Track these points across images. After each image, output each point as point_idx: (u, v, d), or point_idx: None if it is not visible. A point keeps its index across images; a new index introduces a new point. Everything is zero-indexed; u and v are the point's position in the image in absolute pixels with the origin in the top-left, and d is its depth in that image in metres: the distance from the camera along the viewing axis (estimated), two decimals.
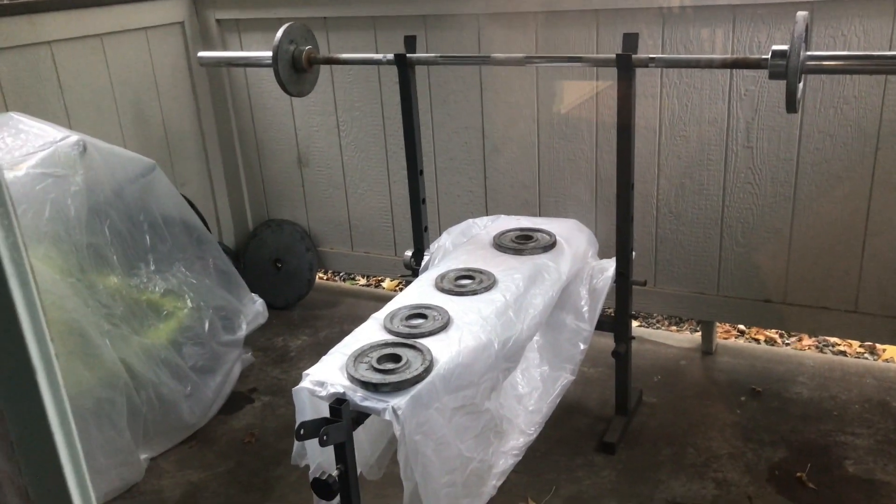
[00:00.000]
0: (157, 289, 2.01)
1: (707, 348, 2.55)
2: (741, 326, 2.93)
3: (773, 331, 2.87)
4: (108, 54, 2.63)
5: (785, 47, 1.58)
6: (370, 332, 1.61)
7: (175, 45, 2.88)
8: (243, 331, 2.33)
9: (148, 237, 2.05)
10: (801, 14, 1.57)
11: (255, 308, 2.41)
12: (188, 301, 2.11)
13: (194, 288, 2.13)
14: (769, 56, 1.60)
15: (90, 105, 2.58)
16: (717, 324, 2.60)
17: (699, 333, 2.62)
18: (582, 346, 1.97)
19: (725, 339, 2.84)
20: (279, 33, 2.14)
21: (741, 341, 2.89)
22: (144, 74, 2.77)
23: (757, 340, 2.91)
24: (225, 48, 2.97)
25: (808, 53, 1.59)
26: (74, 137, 1.93)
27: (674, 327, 3.04)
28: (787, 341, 2.89)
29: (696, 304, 2.49)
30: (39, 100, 2.40)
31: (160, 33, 2.81)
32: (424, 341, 1.54)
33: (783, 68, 1.58)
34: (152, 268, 2.04)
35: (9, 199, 0.45)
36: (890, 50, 2.02)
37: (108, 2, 2.62)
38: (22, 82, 2.35)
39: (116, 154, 2.08)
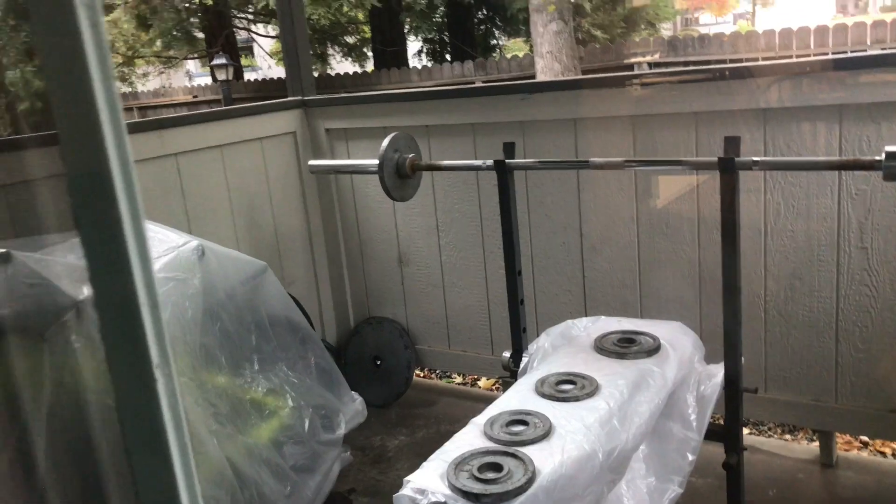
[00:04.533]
0: (260, 388, 2.07)
1: (826, 461, 2.38)
2: (864, 438, 2.72)
3: None
4: (226, 163, 2.82)
5: None
6: (470, 437, 1.59)
7: (287, 153, 3.07)
8: (342, 430, 2.35)
9: (254, 337, 2.13)
10: None
11: (354, 406, 2.44)
12: (289, 400, 2.16)
13: (296, 387, 2.18)
14: (883, 157, 1.56)
15: (208, 210, 2.76)
16: (837, 434, 2.43)
17: (816, 443, 2.45)
18: (690, 457, 1.87)
19: (847, 450, 2.64)
20: (385, 143, 2.24)
21: (865, 454, 2.68)
22: (258, 180, 2.95)
23: (883, 454, 2.69)
24: (333, 155, 3.14)
25: None
26: (194, 242, 2.06)
27: (788, 436, 2.86)
28: None
29: (811, 413, 2.35)
30: (165, 206, 2.59)
31: (274, 142, 3.01)
32: (526, 450, 1.51)
33: None
34: (256, 367, 2.11)
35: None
36: None
37: (228, 115, 2.85)
38: (150, 191, 2.55)
39: (231, 257, 2.20)
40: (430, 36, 14.84)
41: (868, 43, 8.97)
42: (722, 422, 2.06)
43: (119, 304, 0.45)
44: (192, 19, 13.56)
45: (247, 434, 1.97)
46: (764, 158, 2.11)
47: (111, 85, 0.45)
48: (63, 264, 1.85)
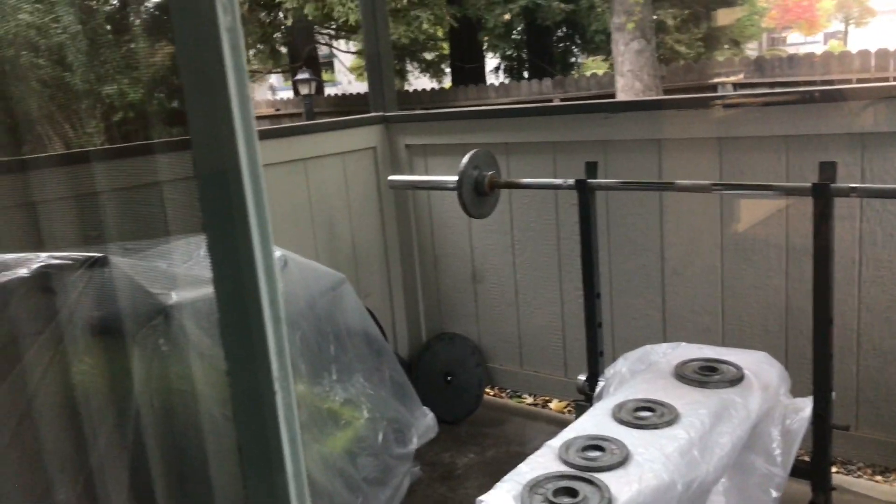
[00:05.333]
0: (337, 398, 2.09)
1: None
2: None
3: None
4: (309, 176, 2.89)
5: None
6: (545, 460, 1.57)
7: (367, 168, 3.12)
8: (414, 444, 2.36)
9: (333, 347, 2.16)
10: None
11: (426, 422, 2.44)
12: (365, 411, 2.17)
13: (371, 399, 2.20)
14: None
15: (291, 221, 2.82)
16: None
17: None
18: (774, 494, 1.80)
19: None
20: (465, 159, 2.25)
21: None
22: (338, 194, 3.00)
23: None
24: (412, 170, 3.17)
25: None
26: (278, 253, 2.11)
27: (879, 477, 2.71)
28: None
29: None
30: None
31: (355, 157, 3.06)
32: (602, 476, 1.47)
33: None
34: (334, 377, 2.13)
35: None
36: None
37: (312, 130, 2.92)
38: None
39: (311, 268, 2.24)
40: (508, 53, 14.88)
41: None
42: (808, 458, 1.97)
43: (242, 316, 0.46)
44: (276, 35, 14.00)
45: (322, 443, 2.00)
46: (862, 185, 2.02)
47: (245, 88, 0.46)
48: (154, 269, 1.92)
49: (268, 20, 13.29)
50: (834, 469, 2.69)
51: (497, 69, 15.36)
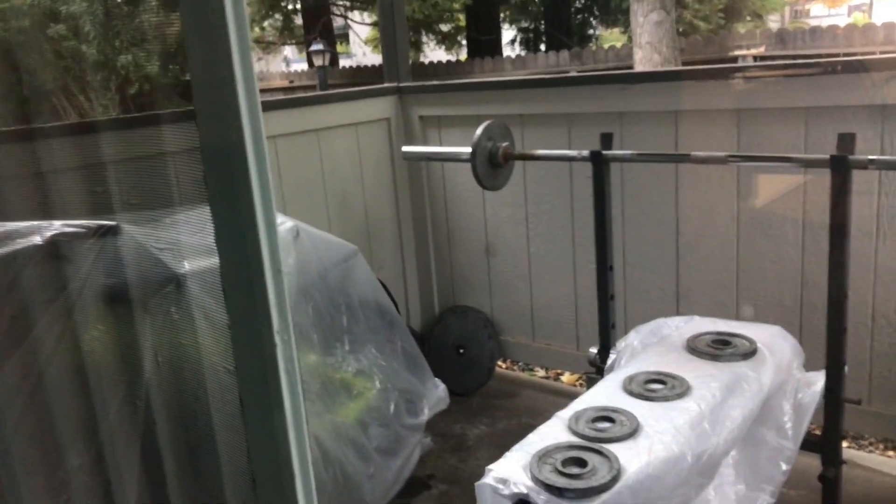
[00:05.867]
0: (349, 368, 2.11)
1: None
2: None
3: None
4: (322, 147, 2.88)
5: None
6: (554, 431, 1.57)
7: (381, 139, 3.10)
8: (426, 415, 2.37)
9: (345, 318, 2.17)
10: None
11: (437, 393, 2.45)
12: (377, 382, 2.19)
13: (383, 370, 2.21)
14: None
15: (303, 192, 2.82)
16: None
17: None
18: (784, 467, 1.79)
19: None
20: (479, 130, 2.23)
21: None
22: (352, 165, 3.00)
23: None
24: (425, 142, 3.15)
25: None
26: (290, 223, 2.11)
27: (890, 452, 2.70)
28: None
29: None
30: None
31: (369, 128, 3.05)
32: (611, 447, 1.47)
33: None
34: (347, 348, 2.14)
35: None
36: None
37: (325, 101, 2.90)
38: None
39: (324, 239, 2.24)
40: (525, 25, 14.70)
41: None
42: (819, 432, 1.96)
43: (245, 268, 0.46)
44: (289, 6, 13.91)
45: (335, 413, 2.02)
46: (881, 157, 1.98)
47: (249, 61, 0.45)
48: (166, 239, 1.93)
49: None
50: (845, 444, 2.68)
51: (513, 41, 15.20)
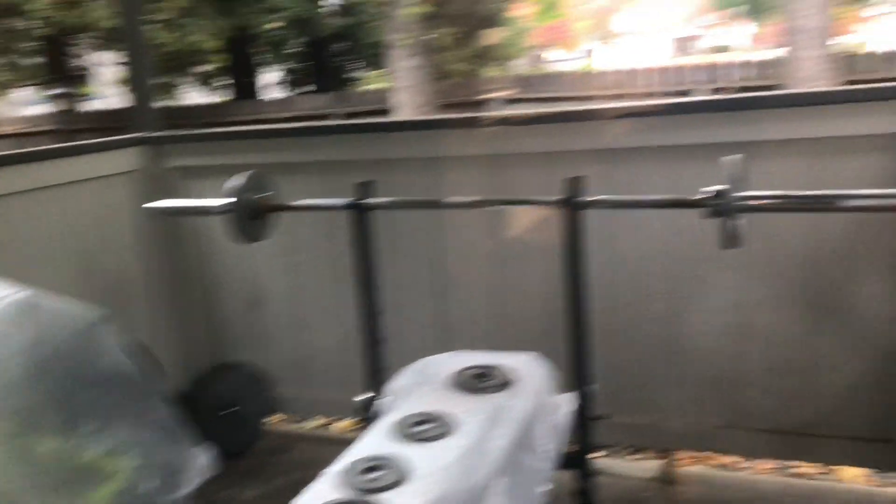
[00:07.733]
0: (99, 449, 1.91)
1: (668, 477, 2.53)
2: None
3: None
4: (63, 205, 2.63)
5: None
6: (324, 490, 1.55)
7: (128, 193, 2.90)
8: (191, 485, 2.22)
9: (91, 393, 1.98)
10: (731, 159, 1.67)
11: (204, 460, 2.31)
12: (130, 460, 2.01)
13: (138, 445, 2.03)
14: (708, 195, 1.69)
15: (43, 256, 2.55)
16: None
17: (661, 461, 2.59)
18: (542, 488, 1.92)
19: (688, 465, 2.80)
20: (233, 182, 2.17)
21: (704, 468, 2.85)
22: (96, 223, 2.76)
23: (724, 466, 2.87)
24: (186, 194, 2.98)
25: (742, 194, 1.68)
26: (22, 294, 1.89)
27: (637, 456, 2.99)
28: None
29: (650, 433, 2.49)
30: None
31: (115, 181, 2.84)
32: (383, 497, 1.48)
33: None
34: (93, 426, 1.95)
35: None
36: None
37: (60, 154, 2.66)
38: None
39: (63, 308, 2.04)
40: (289, 66, 14.68)
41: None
42: (574, 449, 2.12)
43: None
44: (26, 45, 12.67)
45: (85, 500, 1.82)
46: (603, 197, 2.22)
47: None
48: None
49: (10, 28, 11.99)
50: (602, 454, 2.93)
51: (281, 83, 15.11)
